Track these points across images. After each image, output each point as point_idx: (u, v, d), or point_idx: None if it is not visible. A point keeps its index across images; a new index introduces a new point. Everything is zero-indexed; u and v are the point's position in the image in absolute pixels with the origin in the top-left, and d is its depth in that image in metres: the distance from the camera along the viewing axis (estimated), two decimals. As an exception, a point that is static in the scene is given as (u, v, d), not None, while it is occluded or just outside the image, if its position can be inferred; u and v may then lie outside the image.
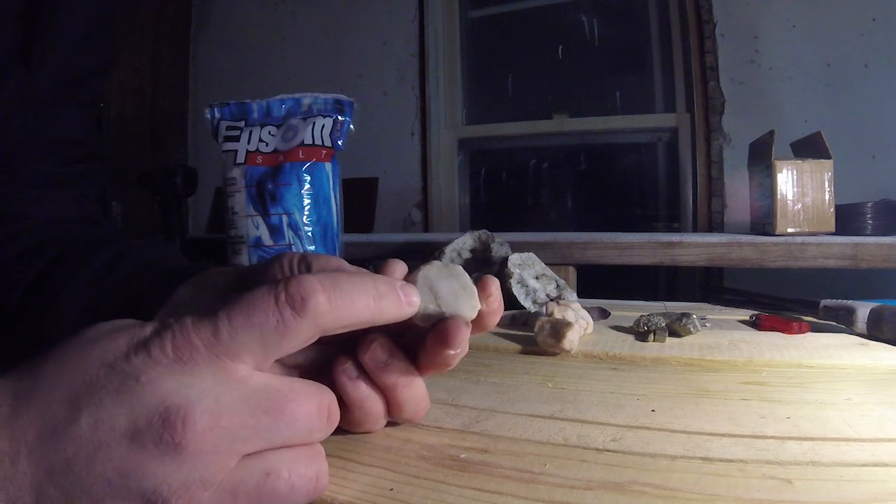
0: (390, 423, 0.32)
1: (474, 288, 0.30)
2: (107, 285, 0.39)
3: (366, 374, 0.28)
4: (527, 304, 0.65)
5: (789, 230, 1.18)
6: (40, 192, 0.48)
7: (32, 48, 0.43)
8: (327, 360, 0.29)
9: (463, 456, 0.28)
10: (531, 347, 0.50)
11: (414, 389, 0.29)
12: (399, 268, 0.30)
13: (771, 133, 1.21)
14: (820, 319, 0.58)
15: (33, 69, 0.43)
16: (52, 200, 0.49)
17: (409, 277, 0.29)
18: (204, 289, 0.33)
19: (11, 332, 0.41)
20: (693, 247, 1.12)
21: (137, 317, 0.23)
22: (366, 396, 0.29)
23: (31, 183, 0.48)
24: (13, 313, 0.41)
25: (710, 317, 0.63)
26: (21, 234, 0.45)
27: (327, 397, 0.23)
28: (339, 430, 0.32)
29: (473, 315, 0.29)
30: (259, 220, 0.67)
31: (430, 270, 0.29)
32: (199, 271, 0.35)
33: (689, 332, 0.53)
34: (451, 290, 0.29)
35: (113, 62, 0.55)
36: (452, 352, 0.27)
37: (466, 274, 0.30)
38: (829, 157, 1.18)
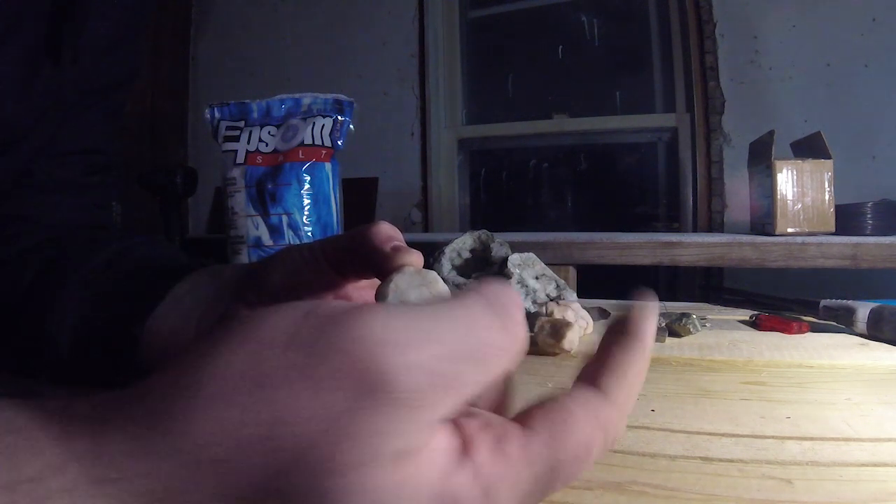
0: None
1: (447, 296, 0.29)
2: (107, 283, 0.39)
3: None
4: (527, 304, 0.65)
5: (789, 230, 1.17)
6: (55, 197, 0.48)
7: (63, 46, 0.43)
8: None
9: (463, 456, 0.28)
10: (531, 347, 0.50)
11: None
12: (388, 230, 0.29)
13: (771, 133, 1.21)
14: (820, 319, 0.58)
15: (62, 68, 0.43)
16: (66, 206, 0.49)
17: (382, 289, 0.28)
18: (205, 284, 0.33)
19: (16, 330, 0.41)
20: (693, 247, 1.12)
21: (134, 314, 0.22)
22: None
23: (49, 188, 0.48)
24: (16, 311, 0.41)
25: (710, 317, 0.63)
26: (24, 234, 0.45)
27: None
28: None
29: None
30: (259, 220, 0.67)
31: (402, 281, 0.28)
32: (198, 268, 0.36)
33: (689, 332, 0.53)
34: (421, 300, 0.28)
35: (139, 74, 0.55)
36: None
37: (441, 280, 0.30)
38: (829, 157, 1.18)
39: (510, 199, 2.43)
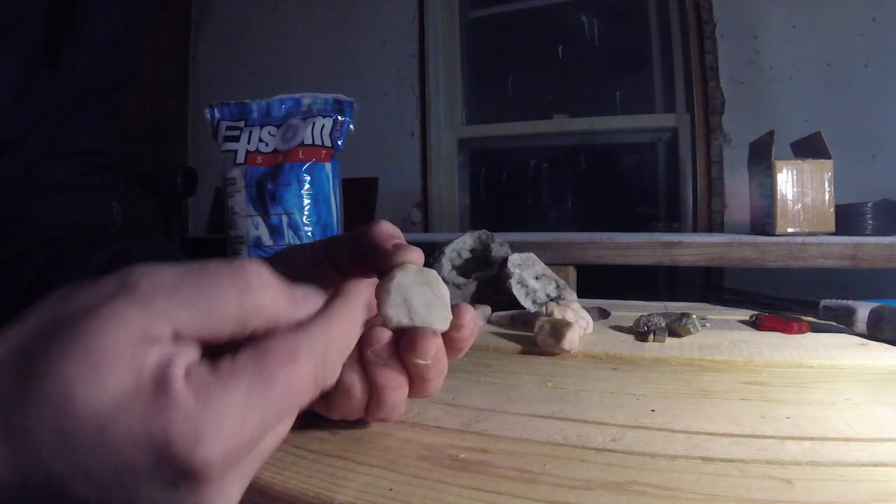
0: (387, 423, 0.32)
1: (448, 297, 0.29)
2: None
3: (362, 365, 0.28)
4: (527, 304, 0.65)
5: (789, 230, 1.18)
6: (55, 198, 0.48)
7: (61, 51, 0.43)
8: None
9: (462, 456, 0.28)
10: (531, 347, 0.50)
11: (399, 394, 0.30)
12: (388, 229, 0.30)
13: (771, 133, 1.21)
14: (820, 319, 0.58)
15: (60, 72, 0.43)
16: (66, 207, 0.49)
17: (383, 285, 0.28)
18: None
19: None
20: (693, 247, 1.12)
21: None
22: (355, 384, 0.28)
23: (49, 189, 0.48)
24: (16, 311, 0.41)
25: (710, 317, 0.63)
26: (25, 234, 0.45)
27: None
28: (337, 428, 0.32)
29: (445, 326, 0.29)
30: (259, 220, 0.67)
31: (405, 278, 0.28)
32: None
33: (689, 332, 0.53)
34: (424, 300, 0.28)
35: (139, 74, 0.55)
36: (421, 361, 0.28)
37: (441, 280, 0.30)
38: (829, 157, 1.18)
39: (510, 199, 2.43)
